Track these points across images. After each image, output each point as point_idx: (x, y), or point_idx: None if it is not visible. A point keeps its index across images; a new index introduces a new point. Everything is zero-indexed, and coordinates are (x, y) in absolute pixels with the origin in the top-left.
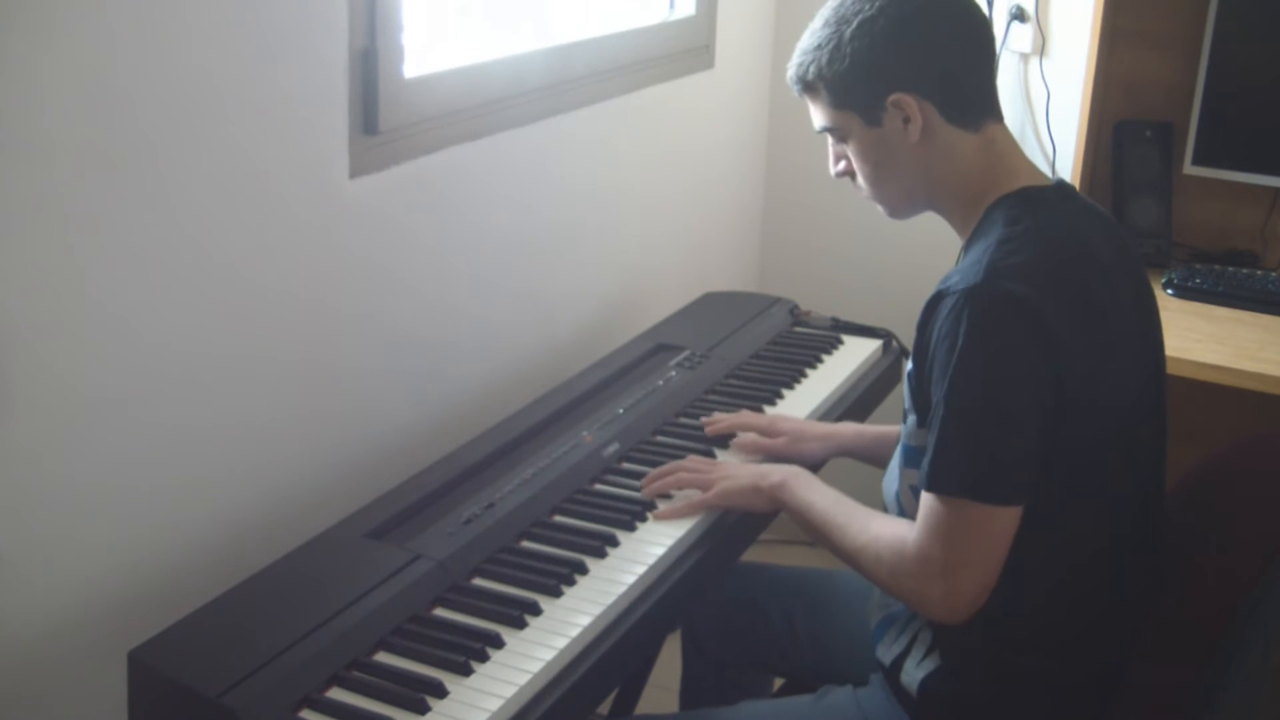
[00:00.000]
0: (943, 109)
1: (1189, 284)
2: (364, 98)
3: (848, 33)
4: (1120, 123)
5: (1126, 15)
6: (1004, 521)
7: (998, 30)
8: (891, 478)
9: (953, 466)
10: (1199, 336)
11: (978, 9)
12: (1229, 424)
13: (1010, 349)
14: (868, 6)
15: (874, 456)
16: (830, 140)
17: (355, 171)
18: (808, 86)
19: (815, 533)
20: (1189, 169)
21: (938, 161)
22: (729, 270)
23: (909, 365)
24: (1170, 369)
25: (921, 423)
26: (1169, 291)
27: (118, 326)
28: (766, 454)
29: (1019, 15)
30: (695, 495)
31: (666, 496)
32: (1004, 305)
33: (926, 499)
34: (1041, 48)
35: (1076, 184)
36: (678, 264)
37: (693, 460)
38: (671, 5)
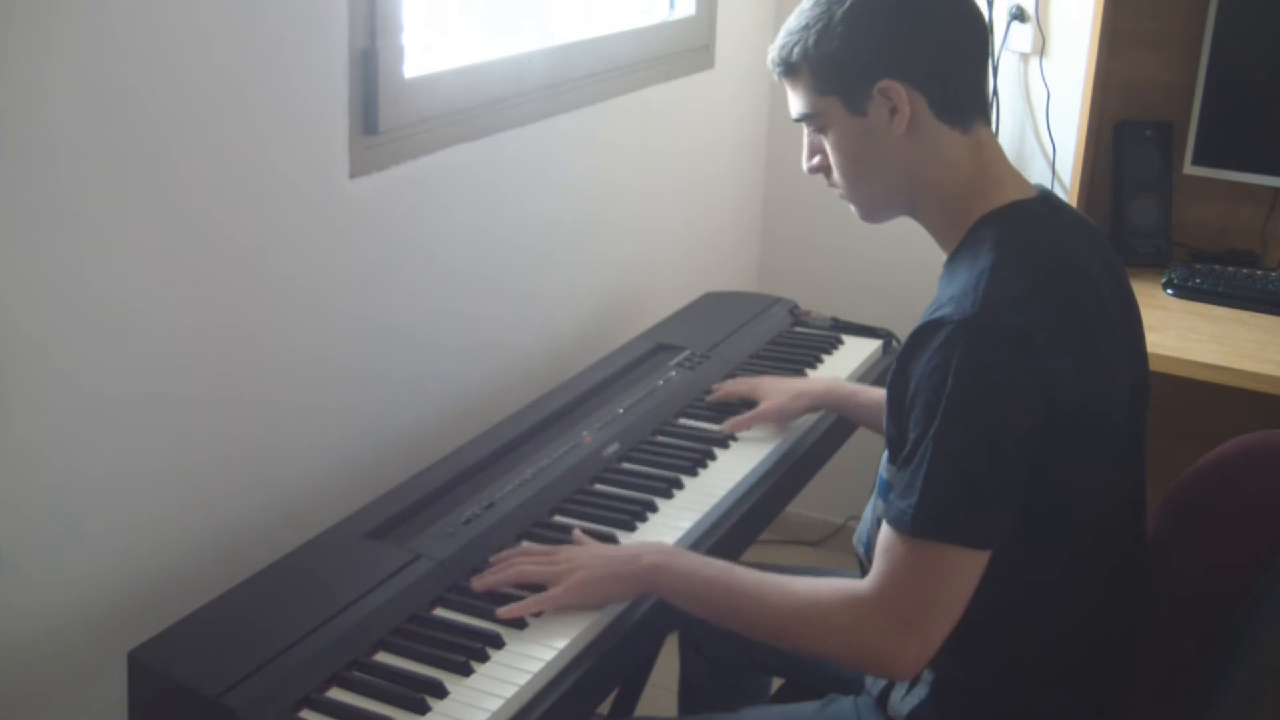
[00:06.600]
0: (933, 102)
1: (1189, 284)
2: (364, 98)
3: (839, 12)
4: (1120, 123)
5: (1126, 15)
6: (978, 566)
7: (998, 30)
8: (867, 509)
9: (941, 510)
10: (1199, 336)
11: (976, 5)
12: (1229, 424)
13: (1005, 386)
14: None
15: (845, 410)
16: (806, 131)
17: (355, 171)
18: (790, 69)
19: (715, 609)
20: (1189, 169)
21: (923, 159)
22: (729, 270)
23: (884, 397)
24: (1170, 369)
25: (893, 459)
26: (1169, 291)
27: (117, 325)
28: (761, 422)
29: (1019, 15)
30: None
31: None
32: (1001, 339)
33: (898, 543)
34: (1041, 48)
35: (1076, 184)
36: (677, 264)
37: (532, 549)
38: (671, 5)
